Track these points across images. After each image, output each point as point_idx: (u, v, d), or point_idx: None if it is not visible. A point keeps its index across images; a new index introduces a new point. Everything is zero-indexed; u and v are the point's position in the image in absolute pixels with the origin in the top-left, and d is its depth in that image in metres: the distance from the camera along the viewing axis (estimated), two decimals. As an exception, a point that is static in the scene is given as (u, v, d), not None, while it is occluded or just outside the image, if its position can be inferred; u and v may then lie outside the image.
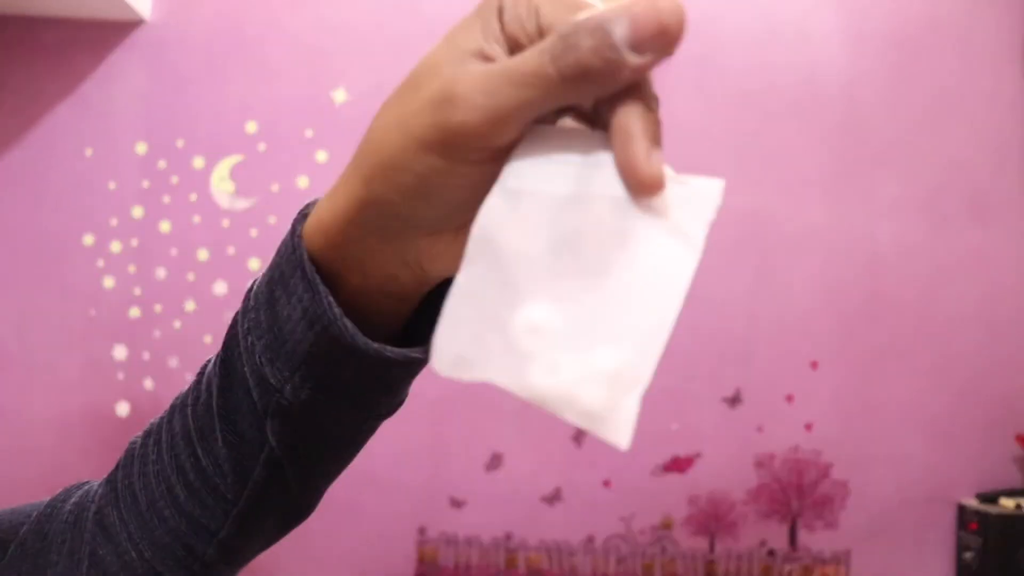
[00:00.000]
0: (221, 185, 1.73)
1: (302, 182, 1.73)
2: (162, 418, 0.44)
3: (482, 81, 0.29)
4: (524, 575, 1.71)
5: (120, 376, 1.71)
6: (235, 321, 0.39)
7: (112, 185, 1.73)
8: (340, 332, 0.35)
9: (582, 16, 0.28)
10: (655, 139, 0.29)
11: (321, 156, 1.73)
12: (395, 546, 1.70)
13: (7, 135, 1.72)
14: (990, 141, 1.80)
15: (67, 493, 0.47)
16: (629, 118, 0.28)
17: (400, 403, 0.41)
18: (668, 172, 0.29)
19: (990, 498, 1.68)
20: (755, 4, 1.77)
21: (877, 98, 1.79)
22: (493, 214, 0.30)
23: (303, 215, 0.37)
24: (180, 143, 1.73)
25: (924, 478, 1.75)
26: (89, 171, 1.73)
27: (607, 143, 0.29)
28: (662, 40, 0.28)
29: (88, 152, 1.73)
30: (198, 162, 1.73)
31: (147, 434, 0.44)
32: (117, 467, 0.45)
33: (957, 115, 1.80)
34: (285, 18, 1.75)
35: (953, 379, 1.76)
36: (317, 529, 1.67)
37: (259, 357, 0.38)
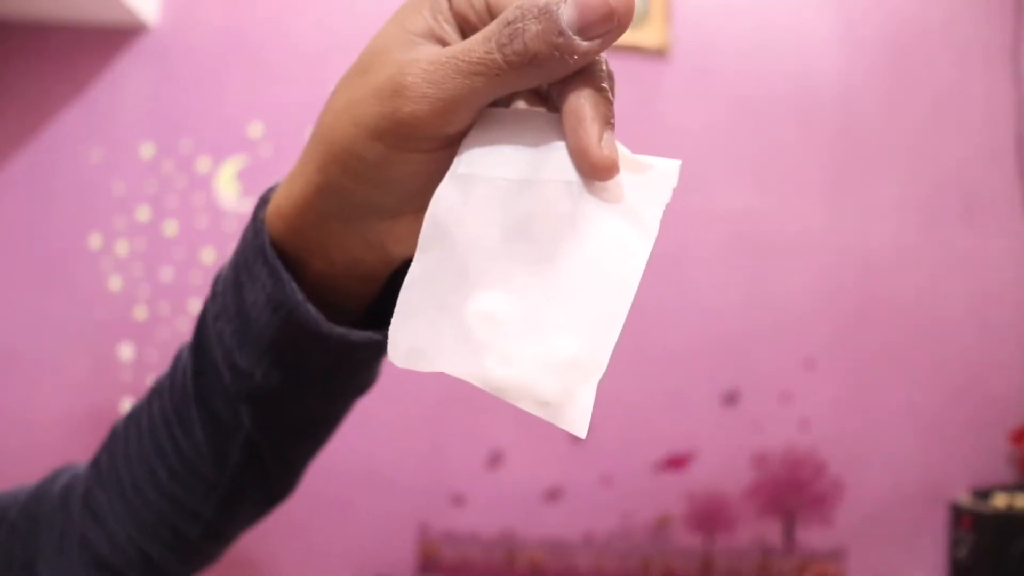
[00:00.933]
0: (226, 187, 1.74)
1: (306, 184, 1.74)
2: (142, 402, 0.45)
3: (430, 71, 0.28)
4: (525, 571, 1.72)
5: (126, 376, 1.73)
6: (204, 307, 0.41)
7: (118, 187, 1.74)
8: (303, 317, 0.35)
9: None
10: (607, 121, 0.28)
11: (324, 159, 1.74)
12: (396, 543, 1.71)
13: (14, 139, 1.74)
14: (984, 145, 1.82)
15: (55, 476, 0.48)
16: (579, 101, 0.27)
17: (372, 382, 0.41)
18: (623, 152, 0.28)
19: (983, 495, 1.70)
20: (753, 12, 1.80)
21: (873, 103, 1.81)
22: (444, 202, 0.29)
23: (264, 200, 0.37)
24: (185, 146, 1.75)
25: (918, 476, 1.77)
26: (95, 174, 1.74)
27: (560, 126, 0.28)
28: (610, 23, 0.27)
29: (94, 155, 1.74)
30: (204, 165, 1.75)
31: (129, 418, 0.45)
32: (101, 450, 0.46)
33: (951, 119, 1.82)
34: (288, 24, 1.77)
35: (947, 379, 1.78)
36: (318, 527, 1.69)
37: (228, 342, 0.38)
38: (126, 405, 1.71)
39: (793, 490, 1.76)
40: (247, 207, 1.74)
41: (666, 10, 1.75)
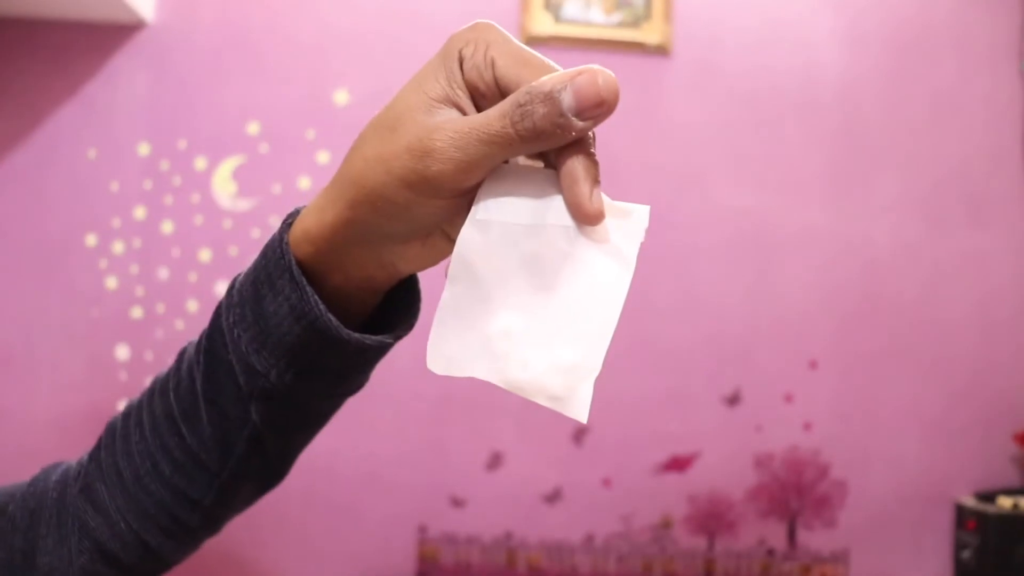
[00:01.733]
0: (223, 186, 1.73)
1: (303, 183, 1.73)
2: (140, 401, 0.49)
3: (455, 138, 0.35)
4: (525, 574, 1.71)
5: (122, 376, 1.71)
6: (218, 314, 0.45)
7: (114, 186, 1.73)
8: (326, 326, 0.41)
9: (534, 82, 0.34)
10: (596, 180, 0.35)
11: (322, 157, 1.73)
12: (396, 545, 1.71)
13: (10, 137, 1.73)
14: (987, 143, 1.81)
15: (47, 473, 0.52)
16: (575, 165, 0.35)
17: (367, 379, 0.49)
18: (607, 201, 0.36)
19: (988, 497, 1.68)
20: (755, 8, 1.78)
21: (875, 100, 1.80)
22: (468, 242, 0.36)
23: (288, 223, 0.43)
24: (182, 144, 1.74)
25: (922, 477, 1.76)
26: (92, 172, 1.73)
27: (557, 181, 0.36)
28: (600, 109, 0.34)
29: (91, 153, 1.73)
30: (200, 163, 1.73)
31: (126, 416, 0.49)
32: (99, 447, 0.50)
33: (954, 117, 1.81)
34: (286, 21, 1.75)
35: (951, 379, 1.77)
36: (318, 528, 1.67)
37: (245, 347, 0.43)
38: (122, 405, 1.70)
39: (796, 492, 1.74)
40: (243, 206, 1.73)
41: (667, 8, 1.73)
